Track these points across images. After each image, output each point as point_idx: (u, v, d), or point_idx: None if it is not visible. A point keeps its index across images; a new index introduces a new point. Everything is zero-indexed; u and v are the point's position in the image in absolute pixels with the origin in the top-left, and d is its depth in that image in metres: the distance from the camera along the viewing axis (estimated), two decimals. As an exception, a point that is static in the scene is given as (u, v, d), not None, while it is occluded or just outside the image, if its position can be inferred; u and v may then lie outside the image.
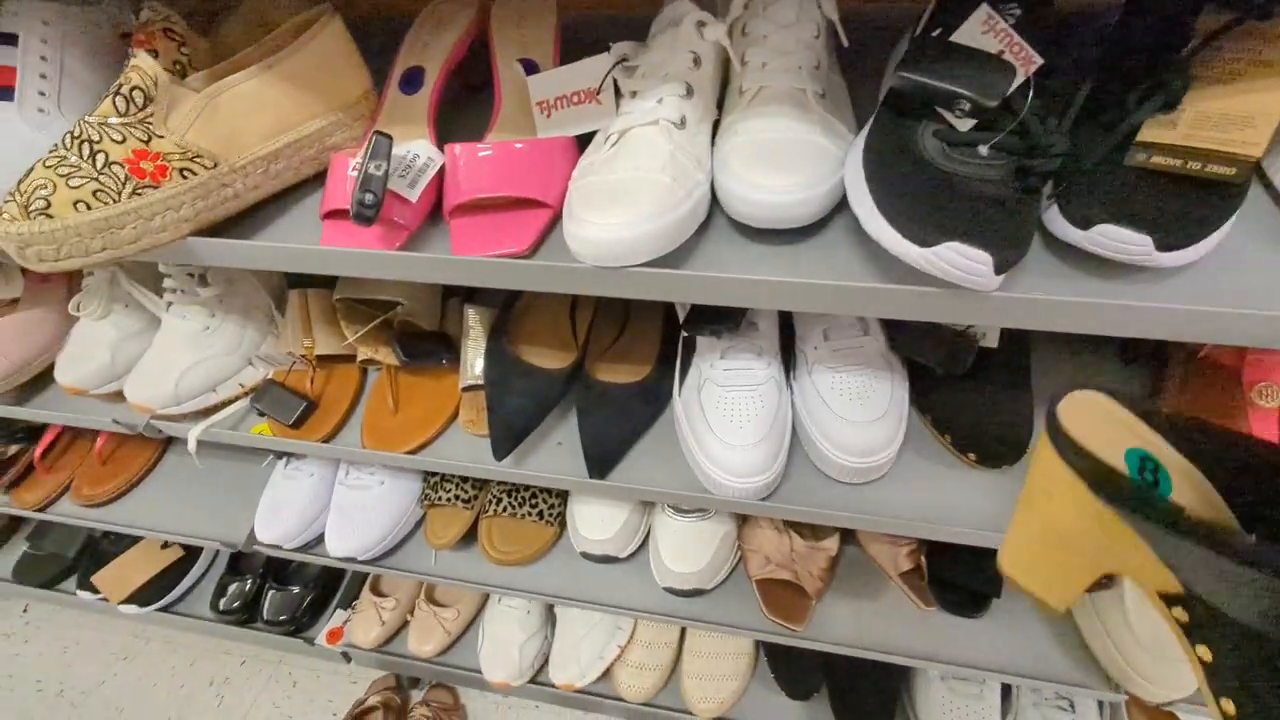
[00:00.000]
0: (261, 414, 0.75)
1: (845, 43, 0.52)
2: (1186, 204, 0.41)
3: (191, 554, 1.23)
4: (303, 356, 0.75)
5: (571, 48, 0.58)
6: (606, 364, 0.71)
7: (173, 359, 0.74)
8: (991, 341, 0.61)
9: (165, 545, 1.20)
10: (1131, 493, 0.30)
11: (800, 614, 0.81)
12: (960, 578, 0.80)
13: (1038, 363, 0.66)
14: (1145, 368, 0.68)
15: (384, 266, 0.51)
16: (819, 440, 0.61)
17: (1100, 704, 0.92)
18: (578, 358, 0.70)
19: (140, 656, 1.48)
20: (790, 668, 1.02)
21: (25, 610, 1.57)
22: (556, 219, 0.51)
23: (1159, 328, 0.42)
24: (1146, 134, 0.42)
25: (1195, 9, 0.42)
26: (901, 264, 0.42)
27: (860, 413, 0.60)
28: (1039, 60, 0.42)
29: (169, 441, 1.08)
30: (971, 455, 0.63)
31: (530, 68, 0.57)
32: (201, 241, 0.53)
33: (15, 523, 1.35)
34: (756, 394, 0.61)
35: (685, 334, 0.66)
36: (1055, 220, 0.44)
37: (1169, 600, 0.31)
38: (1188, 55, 0.41)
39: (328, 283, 0.76)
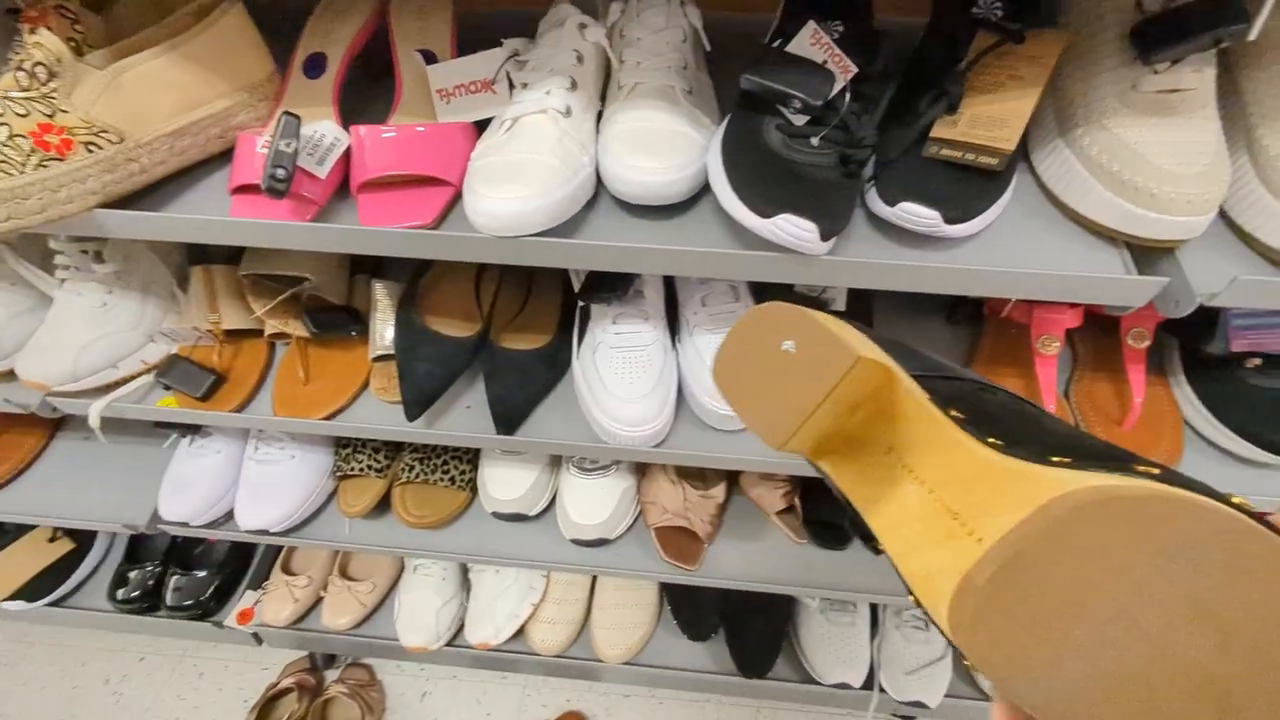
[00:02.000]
0: (168, 388, 0.76)
1: (708, 47, 0.61)
2: (967, 187, 0.52)
3: (83, 546, 1.19)
4: (209, 331, 0.76)
5: (467, 39, 0.64)
6: (510, 333, 0.77)
7: (69, 335, 0.74)
8: (840, 305, 0.72)
9: (53, 538, 1.16)
10: None
11: (694, 556, 0.90)
12: (827, 515, 0.92)
13: (880, 324, 0.78)
14: (967, 327, 0.82)
15: (299, 238, 0.55)
16: (698, 393, 0.70)
17: (948, 621, 1.08)
18: (483, 327, 0.76)
19: (24, 662, 1.41)
20: (690, 612, 1.12)
21: (-117, 622, 1.45)
22: (457, 196, 0.57)
23: (950, 284, 0.53)
24: (937, 130, 0.53)
25: (971, 34, 0.53)
26: (751, 234, 0.51)
27: (734, 368, 0.70)
28: (854, 68, 0.52)
29: (59, 424, 1.05)
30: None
31: (429, 58, 0.62)
32: (112, 213, 0.55)
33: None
34: (645, 354, 0.70)
35: (581, 302, 0.74)
36: (873, 199, 0.54)
37: None
38: (965, 68, 0.53)
39: (230, 260, 0.78)
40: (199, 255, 0.80)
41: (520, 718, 1.33)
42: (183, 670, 1.40)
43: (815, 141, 0.52)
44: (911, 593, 0.26)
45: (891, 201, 0.52)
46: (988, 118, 0.51)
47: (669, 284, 0.76)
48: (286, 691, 1.27)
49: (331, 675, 1.36)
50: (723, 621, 1.14)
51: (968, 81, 0.52)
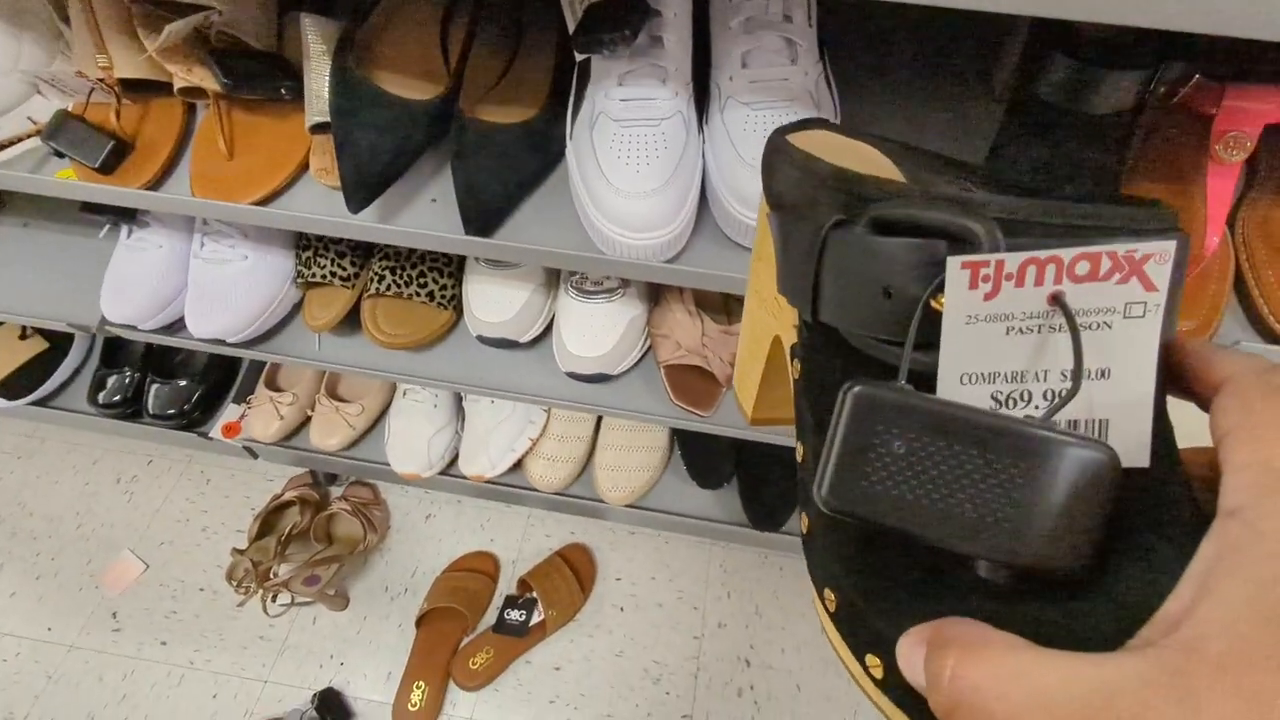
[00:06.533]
0: (60, 154, 0.60)
1: None
2: None
3: (60, 346, 1.12)
4: (100, 81, 0.59)
5: None
6: (487, 103, 0.58)
7: (-76, 76, 0.57)
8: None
9: (24, 335, 1.08)
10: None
11: (708, 400, 0.77)
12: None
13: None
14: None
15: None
16: (724, 193, 0.52)
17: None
18: (449, 89, 0.57)
19: (37, 455, 1.42)
20: (702, 458, 1.03)
21: (-102, 410, 1.46)
22: None
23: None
24: None
25: None
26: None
27: (779, 159, 0.51)
28: None
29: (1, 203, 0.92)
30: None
31: None
32: None
33: None
34: (658, 130, 0.51)
35: (579, 55, 0.53)
36: None
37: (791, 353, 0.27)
38: None
39: (122, -20, 0.58)
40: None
41: (524, 545, 1.31)
42: (190, 475, 1.40)
43: None
44: None
45: None
46: None
47: (699, 39, 0.55)
48: (289, 505, 1.25)
49: (336, 491, 1.35)
50: (738, 471, 1.04)
51: None
